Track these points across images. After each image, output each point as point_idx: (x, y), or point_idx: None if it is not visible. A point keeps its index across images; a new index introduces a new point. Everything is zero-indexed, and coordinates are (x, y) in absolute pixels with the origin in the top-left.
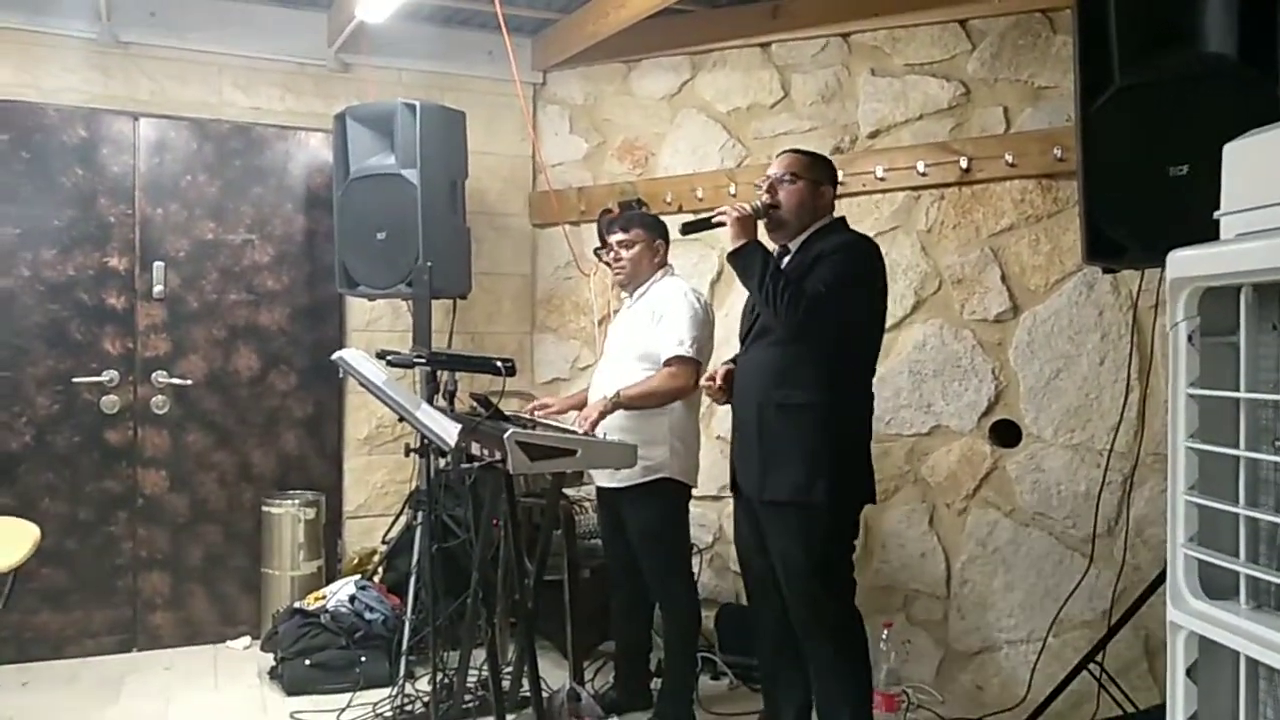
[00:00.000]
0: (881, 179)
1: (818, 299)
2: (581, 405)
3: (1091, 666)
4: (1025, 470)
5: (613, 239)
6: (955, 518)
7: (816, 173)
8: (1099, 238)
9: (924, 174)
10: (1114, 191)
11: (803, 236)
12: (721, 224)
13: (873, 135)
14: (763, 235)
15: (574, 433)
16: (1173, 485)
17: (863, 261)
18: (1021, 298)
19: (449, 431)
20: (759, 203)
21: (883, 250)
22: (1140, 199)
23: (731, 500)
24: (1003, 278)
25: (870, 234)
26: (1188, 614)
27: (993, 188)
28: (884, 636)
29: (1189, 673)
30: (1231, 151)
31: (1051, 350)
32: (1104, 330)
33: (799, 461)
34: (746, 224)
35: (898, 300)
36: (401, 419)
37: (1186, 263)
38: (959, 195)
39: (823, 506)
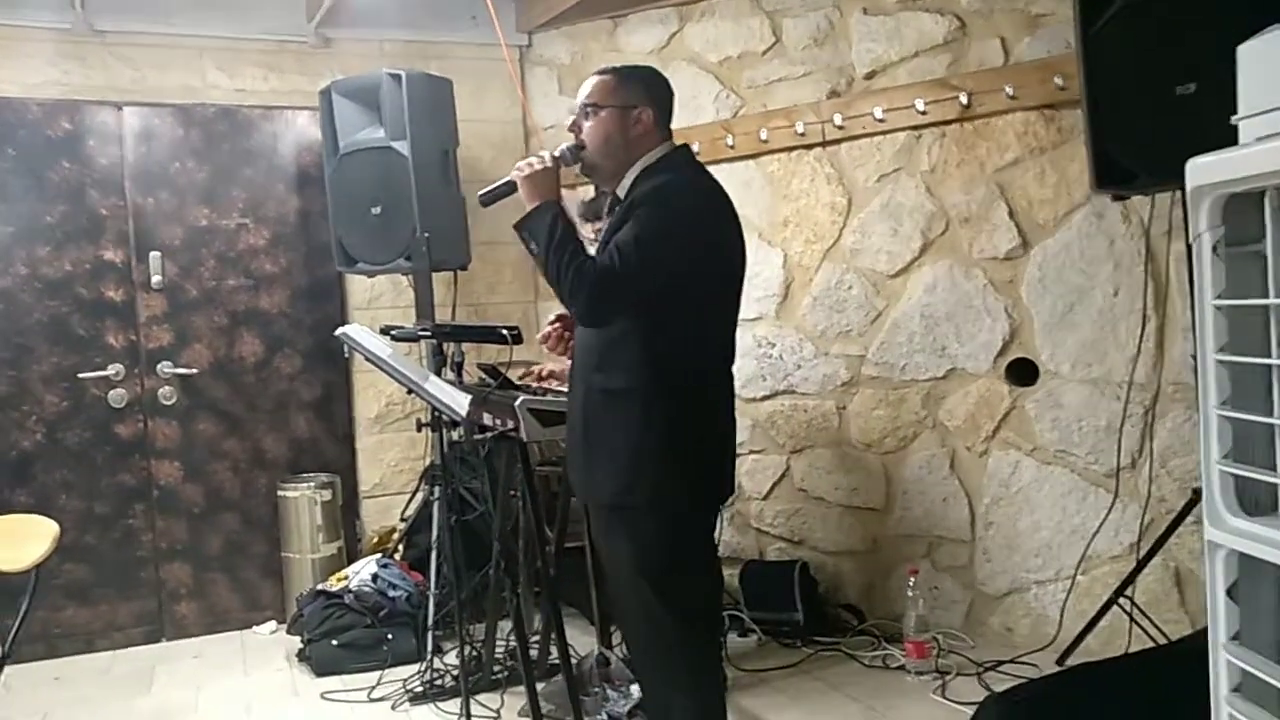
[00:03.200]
0: (881, 120)
1: (608, 275)
2: None
3: (1122, 601)
4: (1044, 408)
5: (594, 228)
6: (976, 460)
7: (626, 95)
8: (1107, 165)
9: (923, 112)
10: (1120, 116)
11: (629, 177)
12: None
13: (869, 76)
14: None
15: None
16: (1204, 401)
17: (677, 217)
18: (1031, 232)
19: (460, 402)
20: (564, 148)
21: (885, 194)
22: (1148, 122)
23: (751, 458)
24: (1010, 213)
25: (874, 177)
26: (1226, 532)
27: (994, 122)
28: (910, 583)
29: (1229, 592)
30: (1246, 52)
31: (1064, 284)
32: (1116, 260)
33: (621, 458)
34: (540, 180)
35: (905, 243)
36: (411, 393)
37: (1206, 170)
38: (960, 132)
39: (645, 509)
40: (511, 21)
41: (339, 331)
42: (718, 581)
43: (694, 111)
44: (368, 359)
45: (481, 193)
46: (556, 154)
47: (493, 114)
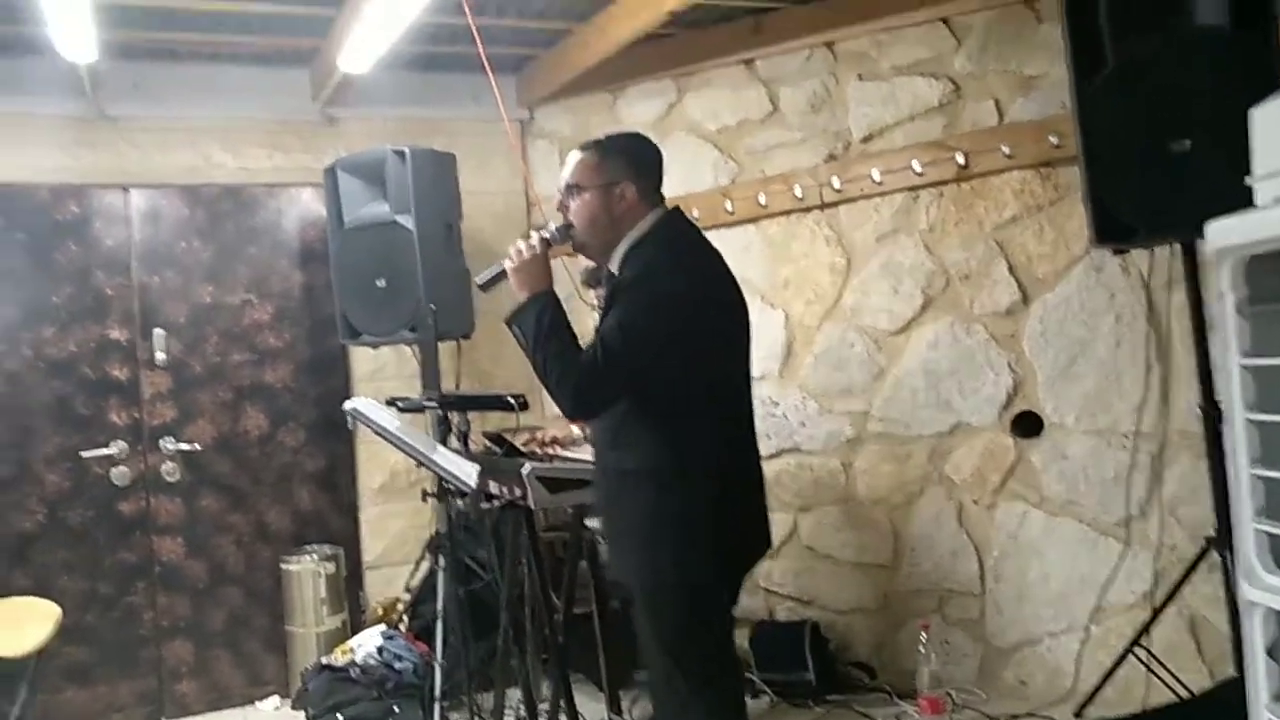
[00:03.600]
0: (879, 182)
1: (590, 371)
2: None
3: (1138, 651)
4: (1050, 459)
5: (596, 293)
6: (984, 513)
7: (606, 172)
8: (1107, 220)
9: (920, 173)
10: (1117, 173)
11: (620, 251)
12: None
13: (866, 139)
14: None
15: (591, 462)
16: (1236, 460)
17: (661, 299)
18: (1031, 287)
19: (468, 473)
20: (553, 228)
21: (885, 254)
22: (1144, 178)
23: None
24: (1010, 269)
25: (873, 238)
26: (1263, 590)
27: (992, 180)
28: (922, 639)
29: (1270, 652)
30: (1261, 115)
31: (1066, 337)
32: (1117, 312)
33: (639, 537)
34: (528, 269)
35: (906, 301)
36: (420, 464)
37: (1227, 232)
38: (958, 191)
39: (669, 587)
40: (513, 96)
41: (347, 406)
42: (738, 665)
43: (693, 179)
44: (376, 433)
45: (479, 280)
46: (546, 235)
47: (495, 186)
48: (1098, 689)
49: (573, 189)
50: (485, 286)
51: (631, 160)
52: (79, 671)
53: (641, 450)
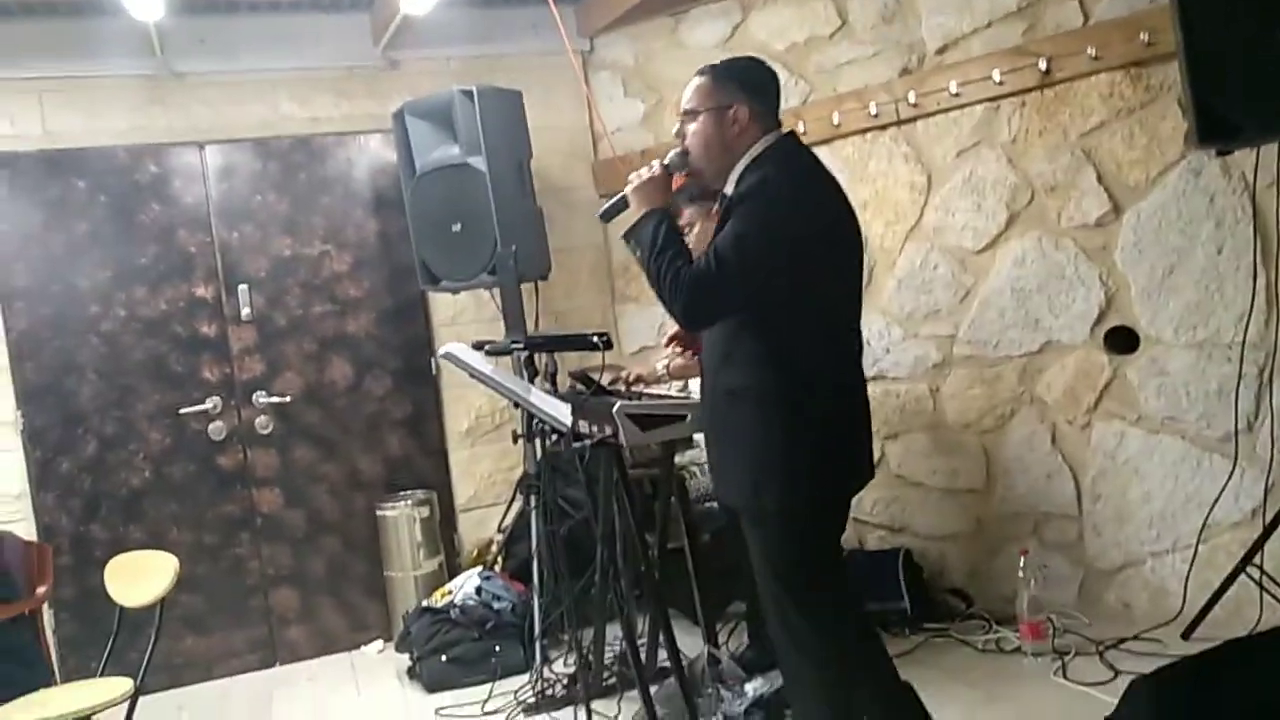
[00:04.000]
0: (956, 94)
1: (700, 281)
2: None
3: (1250, 570)
4: (1148, 375)
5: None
6: (1079, 434)
7: (720, 95)
8: (1210, 119)
9: (1000, 83)
10: (1220, 68)
11: (735, 174)
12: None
13: (941, 51)
14: None
15: (680, 399)
16: None
17: (776, 213)
18: (1122, 196)
19: (563, 412)
20: (672, 155)
21: (966, 169)
22: (1250, 72)
23: None
24: (1099, 178)
25: (952, 153)
26: None
27: (1077, 85)
28: (1021, 563)
29: None
30: None
31: (1162, 246)
32: (1218, 218)
33: (747, 461)
34: (648, 189)
35: (990, 217)
36: (517, 405)
37: None
38: (1041, 99)
39: (774, 513)
40: (573, 27)
41: (442, 352)
42: (854, 591)
43: None
44: (472, 376)
45: (600, 211)
46: (666, 161)
47: (559, 121)
48: (1206, 609)
49: (688, 114)
50: (606, 216)
51: (744, 83)
52: (195, 620)
53: (750, 369)
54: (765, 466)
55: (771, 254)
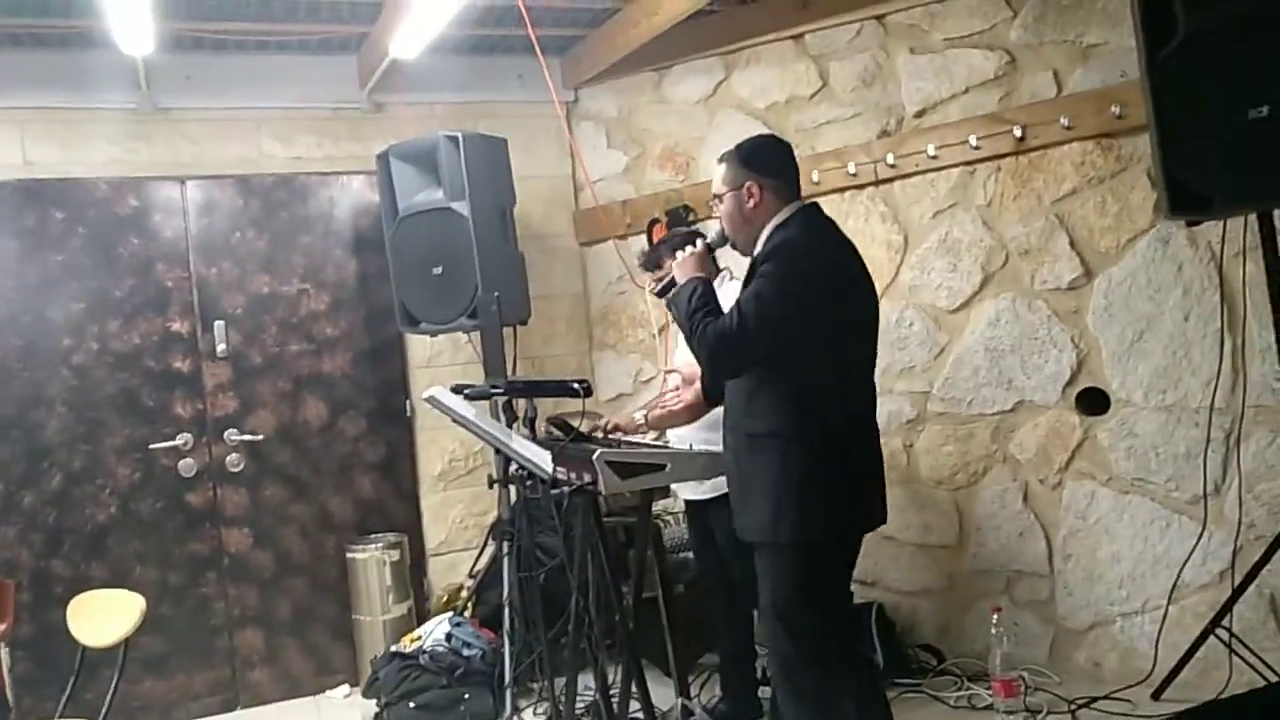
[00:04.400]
0: (934, 157)
1: (723, 336)
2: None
3: (1219, 631)
4: (1118, 437)
5: (654, 277)
6: (1050, 493)
7: (735, 177)
8: (1180, 191)
9: (977, 147)
10: (1191, 142)
11: (761, 240)
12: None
13: (919, 114)
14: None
15: (660, 448)
16: None
17: (793, 272)
18: (1093, 261)
19: (544, 459)
20: (714, 233)
21: (942, 229)
22: (1221, 147)
23: None
24: (1071, 243)
25: (929, 214)
26: None
27: (1050, 153)
28: (994, 620)
29: None
30: None
31: (1131, 312)
32: (1185, 285)
33: (765, 498)
34: (687, 264)
35: (965, 278)
36: (497, 451)
37: None
38: (1016, 165)
39: (789, 547)
40: (559, 78)
41: (425, 395)
42: (852, 624)
43: None
44: (455, 420)
45: (655, 290)
46: (710, 239)
47: (542, 170)
48: (1176, 670)
49: (716, 197)
50: (661, 294)
51: (755, 163)
52: (156, 661)
53: (770, 416)
54: (783, 500)
55: (789, 309)
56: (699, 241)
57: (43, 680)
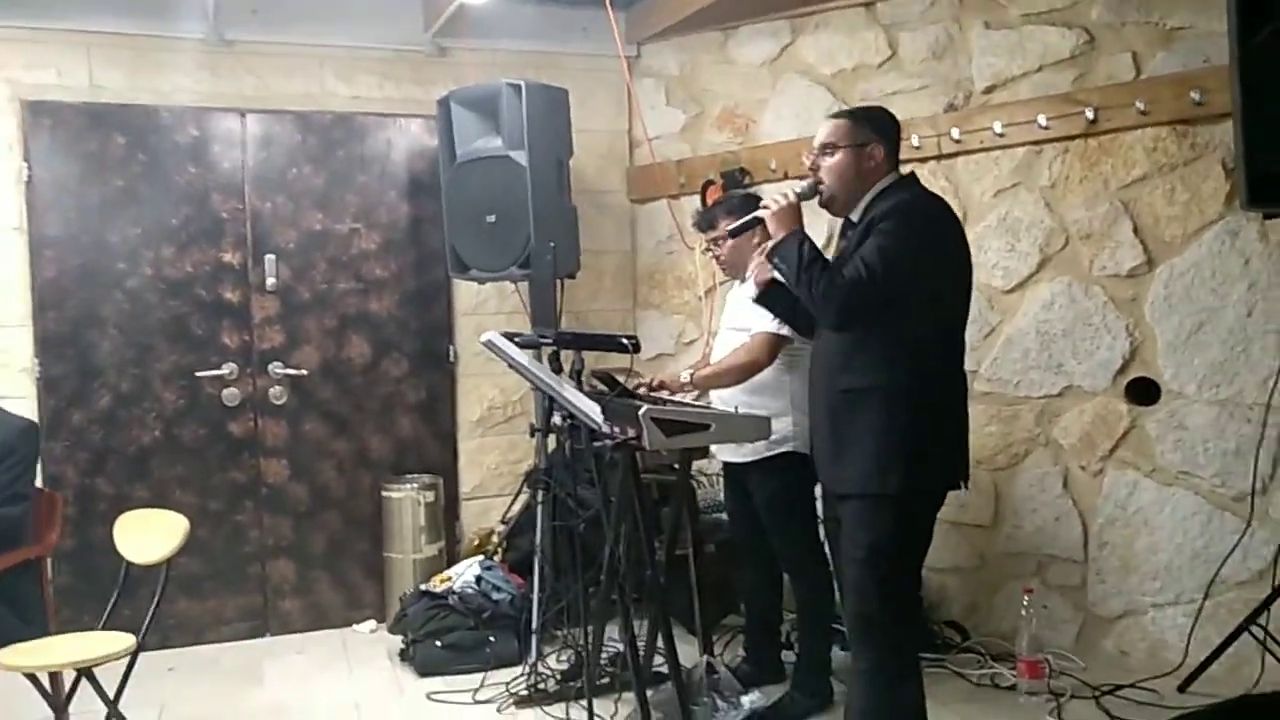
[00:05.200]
0: (1000, 135)
1: (856, 284)
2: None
3: (1253, 629)
4: (1166, 429)
5: (706, 238)
6: (1091, 480)
7: (859, 134)
8: (1261, 182)
9: (1046, 127)
10: (1276, 133)
11: (863, 204)
12: (762, 218)
13: (988, 90)
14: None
15: (705, 408)
16: None
17: (918, 226)
18: (1157, 250)
19: (594, 411)
20: (804, 185)
21: (1003, 209)
22: None
23: None
24: (1135, 230)
25: (990, 192)
26: None
27: (1122, 137)
28: (1025, 602)
29: None
30: None
31: (1192, 303)
32: (1251, 280)
33: (867, 452)
34: (785, 215)
35: (1022, 258)
36: (550, 400)
37: None
38: (1084, 147)
39: (890, 501)
40: (622, 32)
41: (484, 338)
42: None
43: (804, 123)
44: (510, 365)
45: (732, 226)
46: (798, 190)
47: (599, 124)
48: (1205, 665)
49: (827, 148)
50: (736, 233)
51: (880, 126)
52: (191, 583)
53: (873, 370)
54: (889, 454)
55: (910, 266)
56: (790, 193)
57: (82, 593)
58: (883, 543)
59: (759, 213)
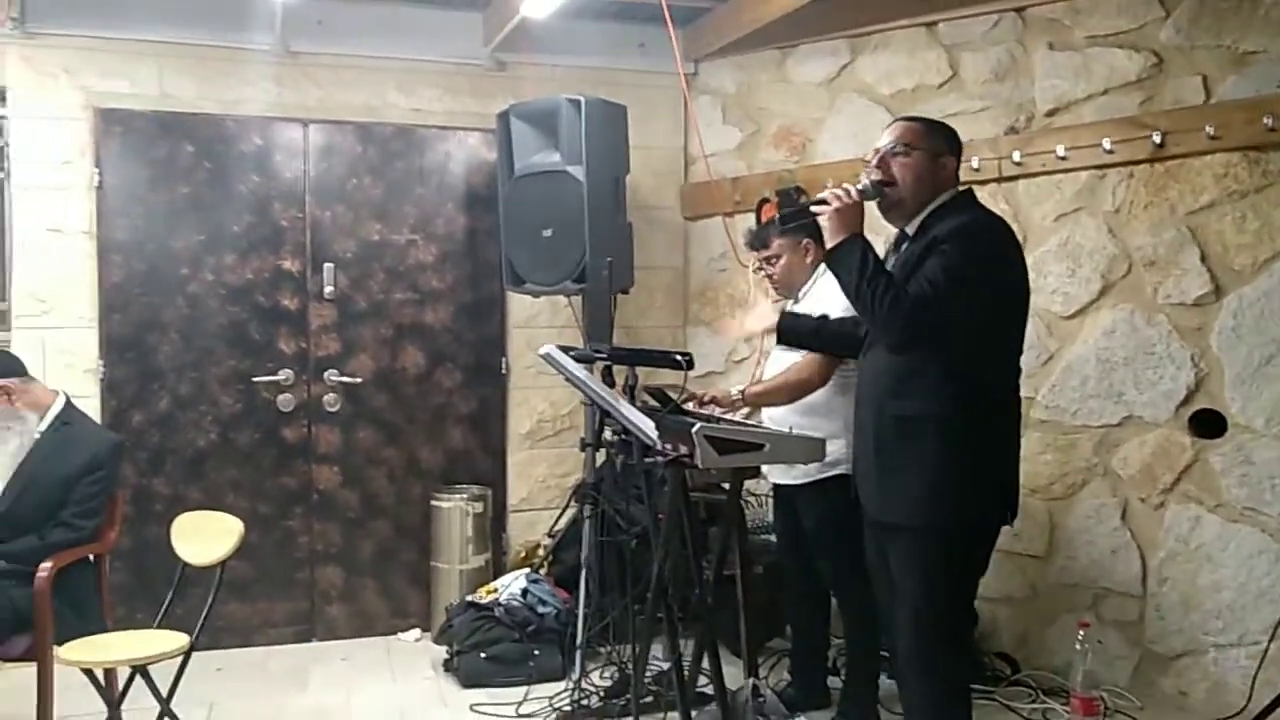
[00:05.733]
0: (1063, 158)
1: (923, 302)
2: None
3: None
4: (1232, 463)
5: (758, 256)
6: (1151, 513)
7: (935, 141)
8: None
9: (1110, 151)
10: None
11: (921, 216)
12: (821, 212)
13: (1051, 113)
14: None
15: (758, 428)
16: None
17: (984, 248)
18: (1225, 279)
19: (649, 426)
20: (868, 182)
21: (1064, 233)
22: None
23: None
24: (1202, 258)
25: (1051, 216)
26: None
27: (1190, 163)
28: (1080, 636)
29: None
30: None
31: (1262, 334)
32: None
33: (919, 482)
34: (847, 214)
35: (1083, 284)
36: (606, 414)
37: None
38: (1150, 172)
39: (943, 533)
40: (680, 49)
41: (542, 351)
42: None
43: (862, 143)
44: (567, 379)
45: (785, 213)
46: (859, 188)
47: (654, 141)
48: (1270, 709)
49: (902, 149)
50: (788, 221)
51: (951, 139)
52: (241, 586)
53: (929, 398)
54: (944, 485)
55: (976, 291)
56: (852, 190)
57: (136, 591)
58: (936, 572)
59: (816, 208)
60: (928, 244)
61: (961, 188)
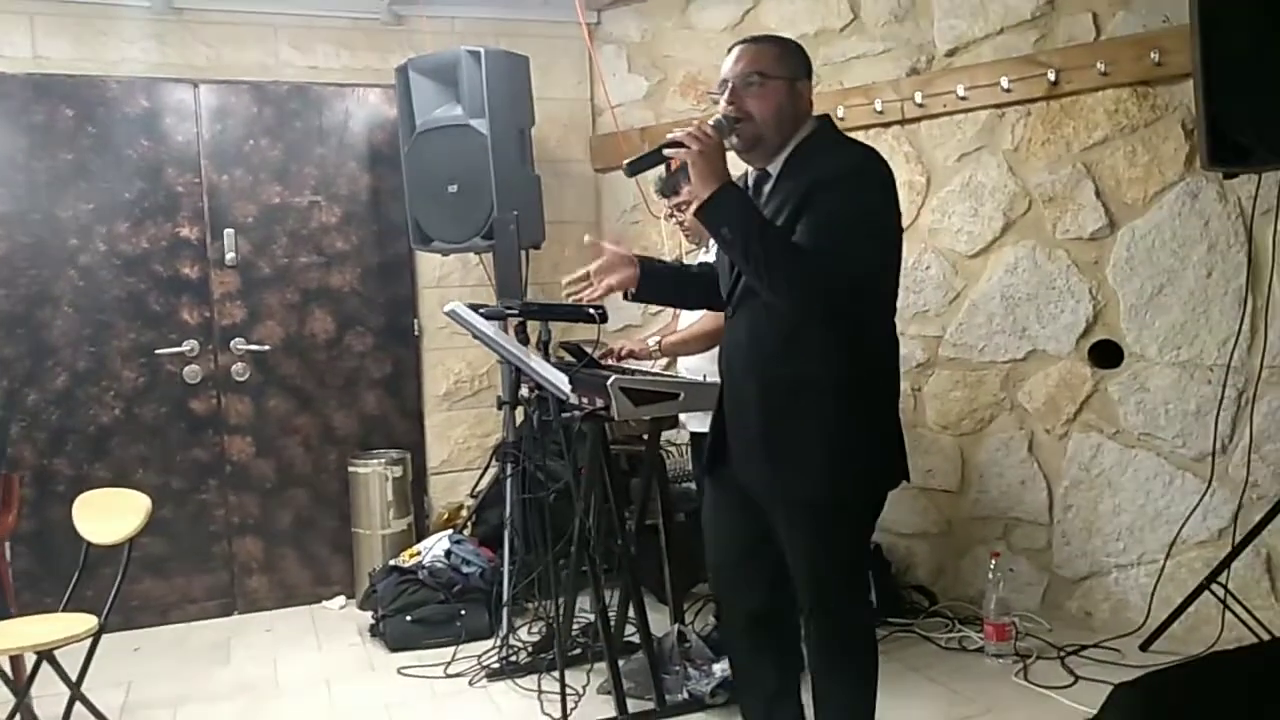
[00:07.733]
0: (963, 98)
1: (818, 259)
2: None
3: (1214, 587)
4: (1129, 391)
5: (669, 204)
6: (1055, 443)
7: (790, 66)
8: (1221, 140)
9: (1008, 90)
10: (1237, 91)
11: (784, 153)
12: (676, 155)
13: (950, 53)
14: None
15: (673, 378)
16: None
17: (877, 193)
18: (1118, 213)
19: (562, 381)
20: (721, 118)
21: (966, 173)
22: (1267, 97)
23: None
24: (1097, 193)
25: (954, 156)
26: None
27: (1083, 99)
28: (991, 566)
29: None
30: None
31: (1153, 265)
32: (1211, 241)
33: (821, 450)
34: (710, 156)
35: (986, 223)
36: (518, 371)
37: None
38: (1047, 110)
39: (850, 502)
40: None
41: (447, 309)
42: None
43: None
44: (475, 336)
45: (631, 160)
46: (712, 125)
47: (560, 92)
48: (1167, 624)
49: (756, 78)
50: (635, 170)
51: (806, 62)
52: (155, 563)
53: (823, 358)
54: (847, 457)
55: (874, 241)
56: (706, 126)
57: (42, 575)
58: (843, 545)
59: (670, 150)
60: (808, 187)
61: (818, 114)
